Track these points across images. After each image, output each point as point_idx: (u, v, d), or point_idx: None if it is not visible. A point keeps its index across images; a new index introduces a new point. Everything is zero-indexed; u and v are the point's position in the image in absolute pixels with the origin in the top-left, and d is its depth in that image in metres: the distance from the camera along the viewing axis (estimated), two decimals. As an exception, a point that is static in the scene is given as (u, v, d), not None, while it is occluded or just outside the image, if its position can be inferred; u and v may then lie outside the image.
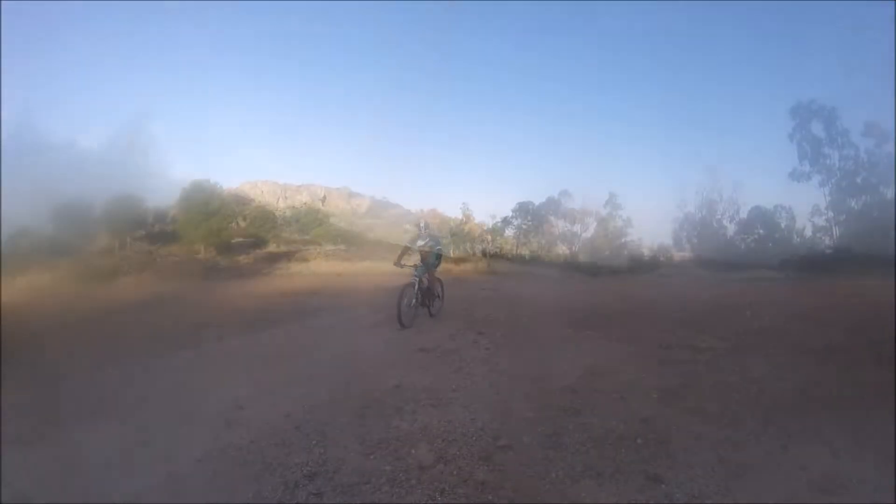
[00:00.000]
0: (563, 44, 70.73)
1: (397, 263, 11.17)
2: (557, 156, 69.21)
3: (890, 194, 31.82)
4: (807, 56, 61.17)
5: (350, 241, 36.48)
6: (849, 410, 5.42)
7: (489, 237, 41.56)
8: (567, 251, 42.03)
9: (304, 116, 77.45)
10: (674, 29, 66.07)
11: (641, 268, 36.86)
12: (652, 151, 66.56)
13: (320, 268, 32.19)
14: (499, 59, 72.36)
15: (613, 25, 66.88)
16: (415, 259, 11.57)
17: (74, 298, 18.85)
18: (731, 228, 37.96)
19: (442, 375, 6.70)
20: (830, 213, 34.56)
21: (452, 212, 46.28)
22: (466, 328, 10.16)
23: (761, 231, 36.29)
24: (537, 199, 42.34)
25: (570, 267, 37.57)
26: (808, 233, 35.56)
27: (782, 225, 36.10)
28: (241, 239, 38.72)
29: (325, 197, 50.73)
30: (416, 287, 10.59)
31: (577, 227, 42.00)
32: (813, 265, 30.47)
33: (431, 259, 11.46)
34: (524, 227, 42.65)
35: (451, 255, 38.04)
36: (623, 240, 40.66)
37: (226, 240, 36.10)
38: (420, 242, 11.63)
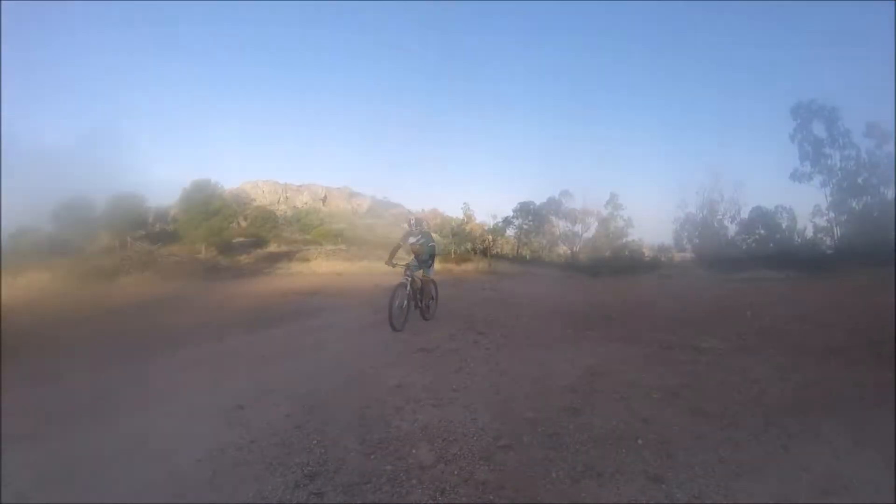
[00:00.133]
0: (564, 44, 70.81)
1: (389, 262, 10.67)
2: (559, 156, 69.39)
3: (891, 195, 31.81)
4: (808, 56, 61.24)
5: (351, 241, 36.49)
6: (850, 411, 5.42)
7: (490, 237, 41.54)
8: (568, 251, 42.04)
9: (305, 116, 77.66)
10: (675, 29, 66.16)
11: (642, 268, 36.87)
12: (653, 151, 66.77)
13: (321, 267, 32.19)
14: (500, 59, 72.51)
15: (615, 26, 66.95)
16: (408, 258, 11.15)
17: (75, 298, 18.84)
18: (732, 229, 37.94)
19: (442, 375, 6.70)
20: (831, 214, 34.54)
21: (453, 211, 46.40)
22: (467, 328, 10.16)
23: (762, 231, 36.25)
24: (538, 199, 42.33)
25: (571, 267, 37.59)
26: (809, 233, 35.55)
27: (783, 225, 36.06)
28: (241, 239, 38.80)
29: (325, 197, 50.79)
30: (409, 287, 10.21)
31: (578, 227, 41.99)
32: (814, 265, 30.46)
33: (425, 257, 11.00)
34: (525, 227, 42.63)
35: (452, 254, 38.10)
36: (624, 240, 40.65)
37: (226, 239, 36.15)
38: (412, 240, 11.08)
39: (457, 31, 73.00)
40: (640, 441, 4.53)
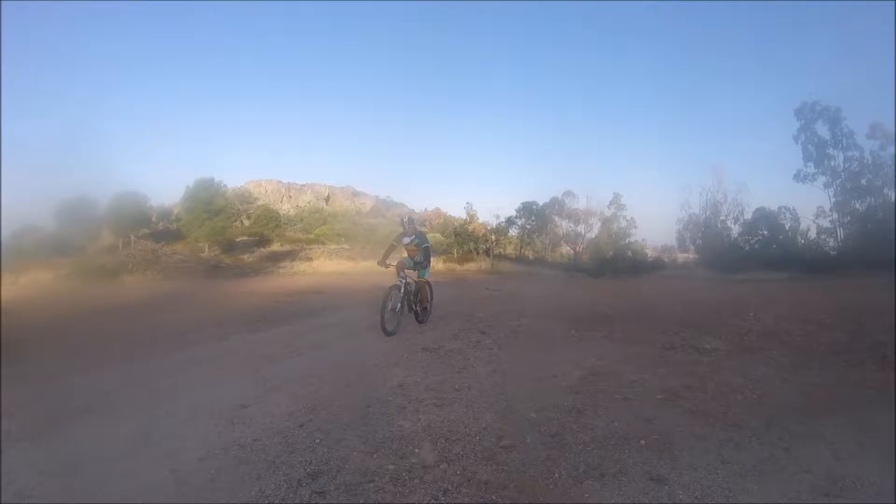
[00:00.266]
0: (570, 44, 70.78)
1: (382, 263, 10.29)
2: (562, 156, 69.34)
3: (894, 196, 31.75)
4: (812, 57, 61.16)
5: (353, 241, 36.52)
6: (852, 412, 5.41)
7: (493, 237, 41.53)
8: (571, 251, 42.01)
9: (308, 116, 77.68)
10: (679, 30, 66.10)
11: (645, 268, 36.84)
12: (656, 152, 66.75)
13: (324, 266, 32.26)
14: (504, 59, 72.46)
15: (619, 26, 66.90)
16: (402, 258, 10.59)
17: (77, 296, 18.89)
18: (735, 230, 37.85)
19: (445, 375, 6.70)
20: (835, 215, 34.47)
21: (456, 211, 46.39)
22: (469, 328, 10.17)
23: (765, 232, 36.18)
24: (541, 199, 42.30)
25: (574, 267, 37.58)
26: (813, 234, 35.46)
27: (786, 226, 35.99)
28: (244, 238, 38.90)
29: (328, 196, 50.86)
30: (403, 290, 9.86)
31: (580, 228, 41.95)
32: (817, 267, 30.43)
33: (419, 258, 10.56)
34: (528, 227, 42.60)
35: (455, 254, 38.11)
36: (627, 240, 40.58)
37: (230, 238, 36.25)
38: (406, 240, 10.54)
39: (462, 31, 73.09)
40: (642, 442, 4.53)
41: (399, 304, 9.73)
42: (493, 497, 3.63)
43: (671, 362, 7.56)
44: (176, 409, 5.52)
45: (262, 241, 39.16)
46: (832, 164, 34.27)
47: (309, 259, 34.58)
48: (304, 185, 51.12)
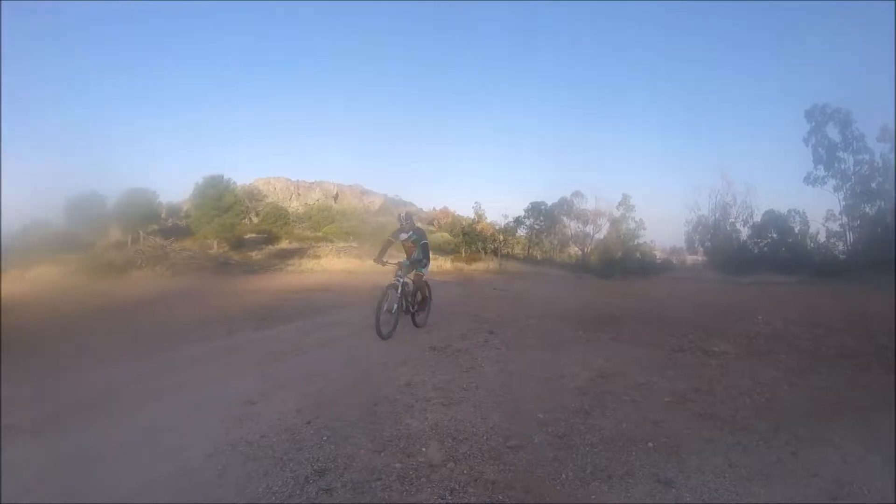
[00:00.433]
0: (578, 44, 70.65)
1: (378, 260, 9.68)
2: (571, 156, 69.25)
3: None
4: (823, 59, 60.83)
5: (362, 239, 36.51)
6: (860, 417, 5.39)
7: (501, 237, 41.52)
8: (579, 252, 41.94)
9: (317, 114, 77.86)
10: (689, 31, 65.87)
11: (653, 270, 36.76)
12: (666, 153, 66.43)
13: (332, 264, 32.29)
14: (514, 58, 72.39)
15: (629, 26, 66.77)
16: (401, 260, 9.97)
17: (86, 292, 18.98)
18: (744, 232, 37.71)
19: (453, 374, 6.70)
20: (844, 219, 34.28)
21: (464, 211, 46.33)
22: (477, 327, 10.15)
23: (774, 235, 36.04)
24: (550, 200, 42.22)
25: (582, 268, 37.51)
26: (822, 238, 35.30)
27: (796, 229, 35.84)
28: (253, 235, 38.97)
29: (337, 194, 50.85)
30: (400, 290, 9.24)
31: (589, 228, 41.86)
32: (826, 270, 30.28)
33: (417, 255, 10.01)
34: (536, 227, 42.56)
35: (463, 254, 38.10)
36: (635, 241, 40.49)
37: (238, 235, 36.35)
38: (403, 236, 9.98)
39: (472, 30, 72.94)
40: (650, 444, 4.52)
41: (395, 306, 9.13)
42: (500, 497, 3.63)
43: (679, 365, 7.54)
44: (184, 405, 5.54)
45: (271, 238, 39.23)
46: (842, 167, 34.08)
47: (317, 257, 34.62)
48: (312, 183, 51.11)
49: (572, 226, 42.37)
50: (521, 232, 43.24)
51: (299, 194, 49.90)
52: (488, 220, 43.24)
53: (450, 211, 49.14)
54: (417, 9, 69.72)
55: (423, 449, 4.35)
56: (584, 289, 23.03)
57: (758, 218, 37.14)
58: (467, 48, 72.29)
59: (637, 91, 72.58)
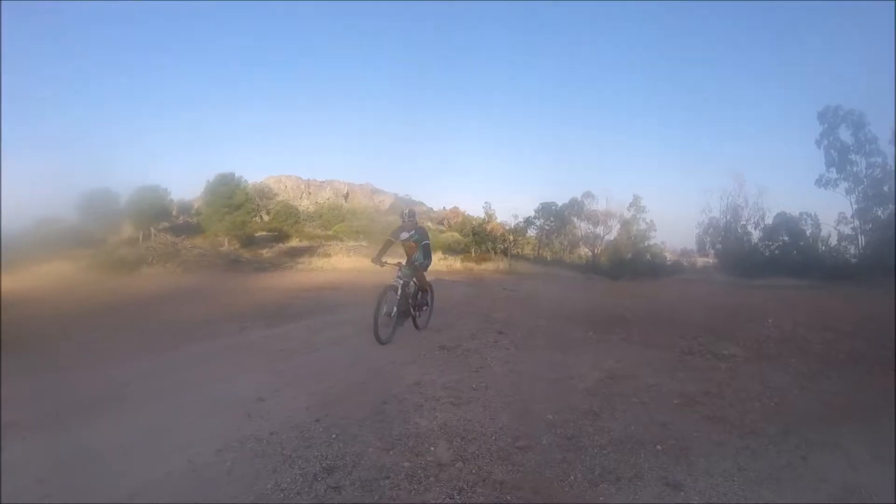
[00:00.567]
0: (590, 44, 70.49)
1: (377, 261, 9.19)
2: (582, 157, 69.11)
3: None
4: (837, 60, 60.41)
5: (372, 238, 36.56)
6: (870, 421, 5.36)
7: (511, 237, 41.52)
8: (589, 253, 41.90)
9: (328, 114, 77.98)
10: (702, 33, 65.60)
11: (664, 272, 36.68)
12: (677, 155, 66.34)
13: (342, 263, 32.39)
14: (526, 59, 72.31)
15: (640, 27, 66.55)
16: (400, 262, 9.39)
17: (97, 288, 19.08)
18: (755, 234, 37.60)
19: (462, 374, 6.70)
20: (856, 222, 34.14)
21: (475, 210, 46.36)
22: (487, 327, 10.14)
23: (786, 238, 35.91)
24: (560, 200, 42.24)
25: (592, 269, 37.48)
26: (834, 241, 35.16)
27: (807, 232, 35.71)
28: (263, 233, 39.14)
29: (348, 193, 50.98)
30: (400, 292, 8.77)
31: (599, 229, 41.84)
32: (837, 274, 30.14)
33: (418, 256, 9.48)
34: (547, 227, 42.55)
35: (473, 253, 38.12)
36: (646, 243, 40.42)
37: (249, 233, 36.52)
38: (404, 235, 9.47)
39: (484, 30, 72.96)
40: (659, 446, 4.51)
41: (395, 308, 8.68)
42: (508, 497, 3.63)
43: (689, 367, 7.52)
44: (193, 401, 5.57)
45: (281, 236, 39.39)
46: (854, 169, 33.93)
47: (327, 255, 34.74)
48: (323, 182, 51.24)
49: (583, 226, 42.41)
50: (532, 232, 43.30)
51: (310, 193, 50.04)
52: (498, 220, 43.30)
53: (460, 211, 49.17)
54: (431, 9, 69.79)
55: (432, 448, 4.35)
56: (593, 290, 23.01)
57: (769, 220, 37.07)
58: (479, 49, 72.30)
59: (649, 92, 72.41)
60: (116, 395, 5.84)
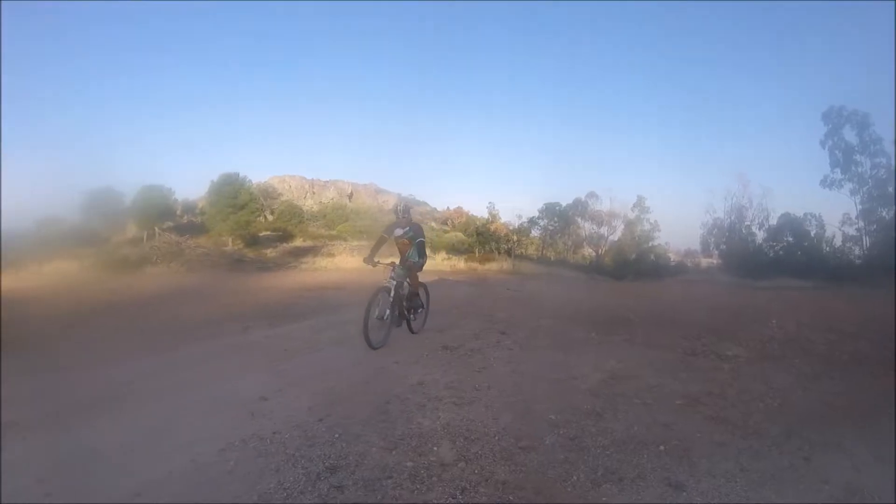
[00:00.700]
0: (593, 44, 70.43)
1: (369, 260, 8.76)
2: (586, 157, 69.12)
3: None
4: (841, 60, 60.28)
5: (375, 237, 36.74)
6: (873, 423, 5.35)
7: (515, 237, 41.53)
8: (593, 253, 41.88)
9: (332, 114, 78.06)
10: (702, 32, 65.49)
11: (667, 272, 36.67)
12: (681, 155, 66.26)
13: (346, 263, 32.43)
14: (529, 59, 72.27)
15: (644, 27, 66.47)
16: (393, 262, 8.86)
17: (101, 287, 19.14)
18: (759, 235, 37.56)
19: (465, 374, 6.70)
20: (861, 223, 34.05)
21: (479, 210, 46.40)
22: (490, 327, 10.14)
23: (790, 239, 35.86)
24: (564, 200, 42.22)
25: (596, 269, 37.47)
26: (838, 242, 35.10)
27: (812, 233, 35.66)
28: (268, 232, 39.22)
29: (352, 193, 51.05)
30: (393, 293, 8.25)
31: (603, 230, 41.83)
32: (842, 275, 30.07)
33: (413, 255, 8.97)
34: (550, 227, 42.55)
35: (476, 253, 38.12)
36: (650, 244, 40.40)
37: (253, 233, 36.60)
38: (398, 232, 9.04)
39: (487, 30, 72.94)
40: (661, 447, 4.51)
41: (388, 311, 8.19)
42: (511, 497, 3.63)
43: (692, 368, 7.51)
44: (196, 400, 5.58)
45: (285, 236, 39.48)
46: (859, 170, 33.85)
47: (331, 255, 34.81)
48: (327, 182, 51.31)
49: (586, 227, 42.40)
50: (535, 232, 43.31)
51: (314, 193, 50.13)
52: (502, 220, 43.31)
53: (464, 211, 49.21)
54: (431, 9, 69.78)
55: (435, 448, 4.36)
56: (597, 290, 23.01)
57: (773, 221, 37.00)
58: (480, 49, 72.28)
59: (651, 92, 72.36)
60: (118, 394, 5.86)
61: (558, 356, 7.97)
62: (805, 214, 35.90)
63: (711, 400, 5.95)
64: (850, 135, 34.10)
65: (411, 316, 9.15)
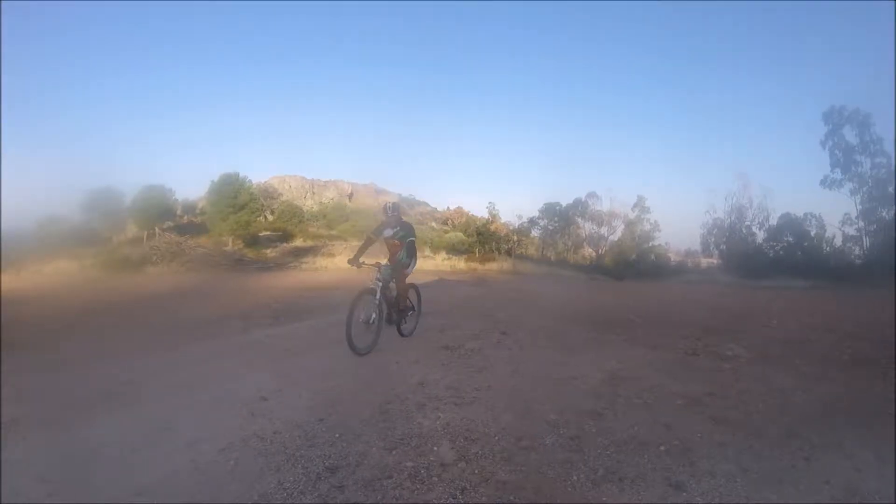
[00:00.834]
0: (594, 45, 70.45)
1: (354, 262, 8.40)
2: (586, 157, 69.21)
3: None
4: (842, 60, 60.36)
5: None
6: (874, 423, 5.35)
7: (515, 237, 41.55)
8: (593, 253, 41.90)
9: (333, 114, 78.12)
10: (705, 33, 65.54)
11: (668, 272, 36.69)
12: (682, 155, 66.35)
13: (345, 263, 32.45)
14: (530, 61, 72.30)
15: (645, 27, 66.51)
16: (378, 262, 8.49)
17: (101, 286, 19.15)
18: (759, 235, 37.61)
19: (465, 374, 6.70)
20: (861, 223, 34.07)
21: (479, 211, 46.46)
22: (490, 328, 10.14)
23: (790, 239, 35.92)
24: (564, 200, 42.25)
25: (596, 269, 37.49)
26: (838, 242, 35.15)
27: (812, 233, 35.69)
28: (268, 232, 39.28)
29: (352, 193, 51.14)
30: (379, 295, 7.85)
31: (603, 230, 41.87)
32: (842, 275, 30.09)
33: (401, 256, 8.56)
34: (550, 227, 42.58)
35: (477, 254, 38.12)
36: (650, 244, 40.44)
37: (253, 233, 36.66)
38: (388, 232, 8.64)
39: (489, 30, 73.01)
40: (662, 447, 4.51)
41: (374, 315, 7.76)
42: (511, 497, 3.63)
43: (692, 368, 7.51)
44: (197, 400, 5.58)
45: (285, 236, 39.54)
46: (859, 170, 33.88)
47: (331, 255, 34.80)
48: (327, 182, 51.40)
49: (587, 227, 42.47)
50: (535, 233, 43.35)
51: (314, 193, 50.21)
52: (502, 220, 43.36)
53: (464, 211, 49.31)
54: (433, 9, 69.82)
55: (435, 448, 4.35)
56: (597, 290, 23.01)
57: (774, 221, 37.07)
58: (483, 49, 72.34)
59: (651, 92, 72.39)
60: (119, 393, 5.86)
61: (558, 356, 7.97)
62: (805, 214, 36.01)
63: (712, 400, 5.94)
64: (850, 135, 34.21)
65: (401, 319, 8.77)
